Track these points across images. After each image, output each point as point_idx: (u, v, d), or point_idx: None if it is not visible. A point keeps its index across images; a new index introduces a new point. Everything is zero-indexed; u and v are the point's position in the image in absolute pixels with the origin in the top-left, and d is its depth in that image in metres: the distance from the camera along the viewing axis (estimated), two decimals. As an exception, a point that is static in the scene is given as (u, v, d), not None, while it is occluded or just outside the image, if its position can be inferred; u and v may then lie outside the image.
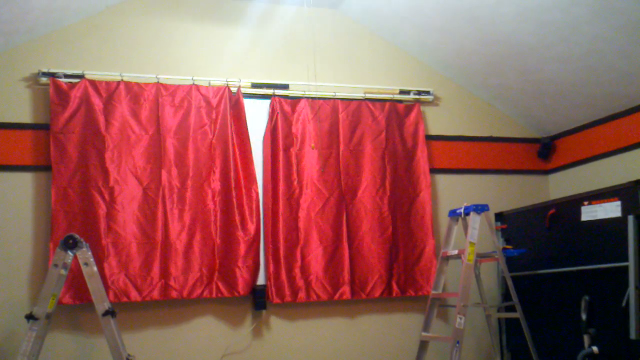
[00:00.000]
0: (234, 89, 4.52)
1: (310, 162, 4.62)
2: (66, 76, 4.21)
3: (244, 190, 4.37)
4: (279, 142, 4.56)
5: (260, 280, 4.43)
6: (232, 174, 4.35)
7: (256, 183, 4.42)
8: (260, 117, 4.62)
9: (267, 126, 4.60)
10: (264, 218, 4.49)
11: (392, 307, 4.72)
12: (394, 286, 4.64)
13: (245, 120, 4.47)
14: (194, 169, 4.34)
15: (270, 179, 4.51)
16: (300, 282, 4.46)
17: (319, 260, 4.52)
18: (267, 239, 4.46)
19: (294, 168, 4.58)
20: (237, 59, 4.66)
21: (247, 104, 4.54)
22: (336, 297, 4.52)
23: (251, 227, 4.34)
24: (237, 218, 4.32)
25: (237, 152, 4.41)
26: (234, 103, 4.47)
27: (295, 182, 4.55)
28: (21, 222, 4.09)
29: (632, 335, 3.63)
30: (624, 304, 3.70)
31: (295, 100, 4.67)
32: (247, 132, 4.46)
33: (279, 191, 4.50)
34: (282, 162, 4.54)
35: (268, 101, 4.62)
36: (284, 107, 4.63)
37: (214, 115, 4.43)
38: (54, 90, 4.15)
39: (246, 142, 4.45)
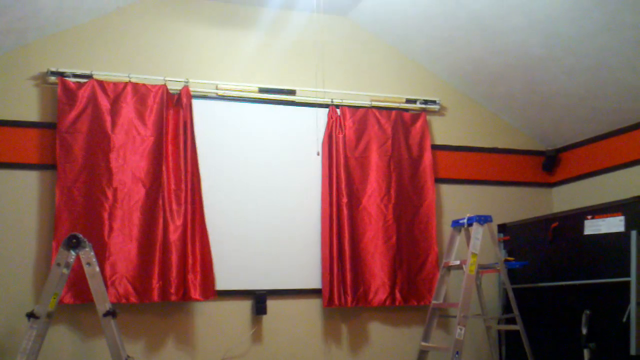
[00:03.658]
0: (245, 93, 4.59)
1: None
2: (75, 76, 4.22)
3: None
4: (334, 149, 4.68)
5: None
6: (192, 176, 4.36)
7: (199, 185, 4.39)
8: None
9: (324, 133, 4.70)
10: (321, 225, 4.62)
11: (394, 316, 4.71)
12: (397, 295, 4.64)
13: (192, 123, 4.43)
14: (190, 171, 4.33)
15: (328, 186, 4.63)
16: (351, 287, 4.53)
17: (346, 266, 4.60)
18: (324, 243, 4.56)
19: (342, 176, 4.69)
20: (246, 64, 4.67)
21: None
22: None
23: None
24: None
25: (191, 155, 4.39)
26: (185, 105, 4.39)
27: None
28: (25, 220, 4.10)
29: (633, 351, 3.62)
30: (624, 319, 3.69)
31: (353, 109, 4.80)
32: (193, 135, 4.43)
33: (333, 197, 4.62)
34: (335, 169, 4.64)
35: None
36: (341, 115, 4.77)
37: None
38: (62, 90, 4.16)
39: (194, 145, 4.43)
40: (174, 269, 4.19)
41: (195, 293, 4.20)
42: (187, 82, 4.40)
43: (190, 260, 4.24)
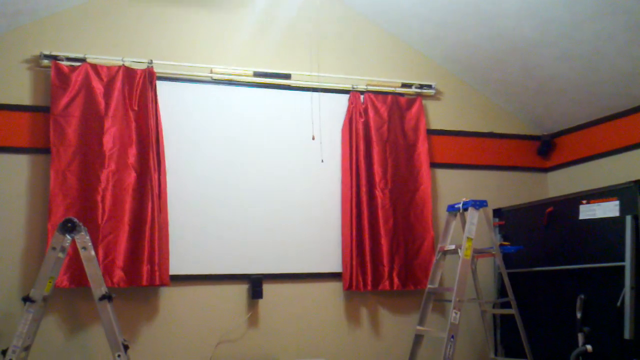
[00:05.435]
0: (240, 77, 4.57)
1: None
2: (68, 59, 4.19)
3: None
4: (354, 135, 4.70)
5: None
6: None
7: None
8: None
9: (345, 118, 4.75)
10: (341, 209, 4.67)
11: (391, 300, 4.72)
12: (395, 279, 4.65)
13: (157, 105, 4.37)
14: (155, 152, 4.28)
15: (349, 171, 4.65)
16: (381, 271, 4.61)
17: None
18: (344, 226, 4.62)
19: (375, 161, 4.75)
20: (241, 47, 4.64)
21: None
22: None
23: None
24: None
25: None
26: (152, 86, 4.35)
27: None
28: (17, 204, 4.07)
29: (627, 335, 3.64)
30: (619, 303, 3.71)
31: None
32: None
33: (354, 181, 4.65)
34: (362, 155, 4.68)
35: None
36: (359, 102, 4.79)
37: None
38: (55, 73, 4.13)
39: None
40: (156, 253, 4.16)
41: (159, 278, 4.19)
42: (150, 63, 4.34)
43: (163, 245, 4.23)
